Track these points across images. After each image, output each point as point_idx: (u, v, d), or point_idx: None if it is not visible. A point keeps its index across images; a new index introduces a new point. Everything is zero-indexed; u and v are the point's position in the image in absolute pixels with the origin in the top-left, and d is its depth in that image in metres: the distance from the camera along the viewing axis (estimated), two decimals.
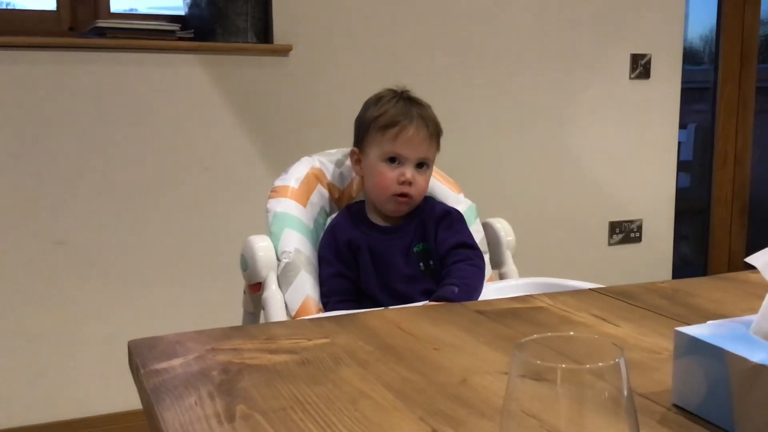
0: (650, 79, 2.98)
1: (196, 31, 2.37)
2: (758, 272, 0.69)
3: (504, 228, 1.67)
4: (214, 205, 2.39)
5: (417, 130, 1.47)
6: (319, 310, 1.42)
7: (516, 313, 0.99)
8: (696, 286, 1.13)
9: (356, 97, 1.59)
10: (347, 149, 1.61)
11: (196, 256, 2.38)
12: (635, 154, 3.01)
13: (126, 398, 2.23)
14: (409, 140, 1.47)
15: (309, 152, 1.65)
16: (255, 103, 2.41)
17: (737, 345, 0.63)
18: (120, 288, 2.31)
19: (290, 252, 1.45)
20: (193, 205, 2.37)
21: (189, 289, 2.38)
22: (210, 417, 0.66)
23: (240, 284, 1.54)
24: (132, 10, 2.53)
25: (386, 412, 0.68)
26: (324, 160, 1.62)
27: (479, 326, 0.94)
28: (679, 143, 3.12)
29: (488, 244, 1.66)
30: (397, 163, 1.48)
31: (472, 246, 1.51)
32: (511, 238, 1.67)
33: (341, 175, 1.62)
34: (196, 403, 0.69)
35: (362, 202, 1.59)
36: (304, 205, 1.54)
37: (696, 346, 0.66)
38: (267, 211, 1.53)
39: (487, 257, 1.59)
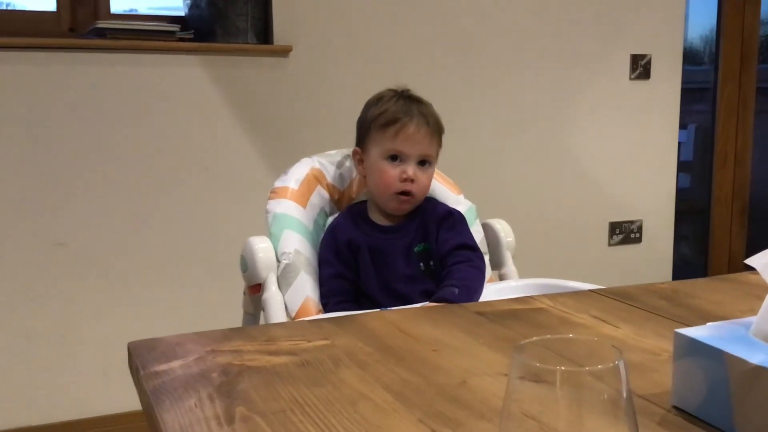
0: (650, 79, 2.98)
1: (196, 31, 2.37)
2: (758, 273, 0.69)
3: (504, 229, 1.68)
4: (214, 206, 2.39)
5: (417, 127, 1.47)
6: (319, 311, 1.42)
7: (516, 315, 0.99)
8: (695, 288, 1.13)
9: (356, 98, 1.59)
10: (347, 150, 1.61)
11: (196, 256, 2.38)
12: (635, 154, 3.01)
13: (126, 399, 2.23)
14: (410, 137, 1.47)
15: (309, 153, 1.65)
16: (255, 103, 2.41)
17: (737, 347, 0.63)
18: (120, 288, 2.31)
19: (290, 253, 1.45)
20: (193, 205, 2.37)
21: (189, 290, 2.38)
22: (210, 419, 0.66)
23: (240, 285, 1.54)
24: (132, 10, 2.53)
25: (385, 414, 0.68)
26: (324, 161, 1.62)
27: (479, 327, 0.94)
28: (680, 143, 3.12)
29: (488, 245, 1.66)
30: (398, 160, 1.48)
31: (473, 247, 1.51)
32: (510, 239, 1.67)
33: (341, 176, 1.63)
34: (195, 405, 0.69)
35: (364, 202, 1.59)
36: (304, 207, 1.55)
37: (695, 347, 0.66)
38: (267, 212, 1.53)
39: (486, 258, 1.59)
